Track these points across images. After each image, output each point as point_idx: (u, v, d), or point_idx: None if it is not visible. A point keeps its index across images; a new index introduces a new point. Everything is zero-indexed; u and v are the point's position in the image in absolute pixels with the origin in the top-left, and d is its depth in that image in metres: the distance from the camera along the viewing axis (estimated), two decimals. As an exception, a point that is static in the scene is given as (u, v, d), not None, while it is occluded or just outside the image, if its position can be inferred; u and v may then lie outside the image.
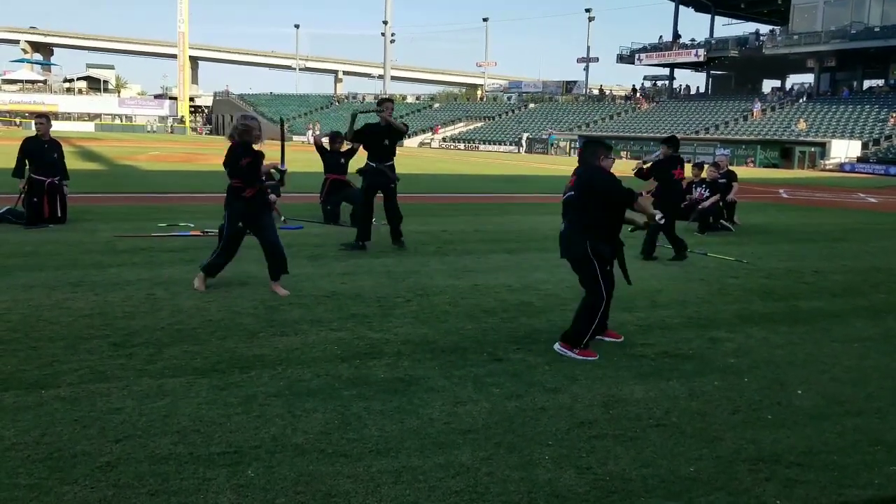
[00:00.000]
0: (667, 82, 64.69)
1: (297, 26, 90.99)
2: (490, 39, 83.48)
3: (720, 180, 12.23)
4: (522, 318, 5.76)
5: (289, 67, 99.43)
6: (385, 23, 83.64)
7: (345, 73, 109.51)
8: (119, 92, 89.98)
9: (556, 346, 4.91)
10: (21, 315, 5.27)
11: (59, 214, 9.71)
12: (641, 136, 52.38)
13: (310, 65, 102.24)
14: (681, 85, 64.73)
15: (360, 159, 9.36)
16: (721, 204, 12.08)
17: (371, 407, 3.86)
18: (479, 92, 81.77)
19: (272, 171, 6.84)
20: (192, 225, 10.03)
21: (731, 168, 13.42)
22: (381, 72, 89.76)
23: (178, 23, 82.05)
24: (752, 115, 50.02)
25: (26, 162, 9.58)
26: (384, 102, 8.54)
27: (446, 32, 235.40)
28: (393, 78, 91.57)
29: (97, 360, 4.41)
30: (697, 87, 63.65)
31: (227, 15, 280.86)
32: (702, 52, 57.79)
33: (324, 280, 6.95)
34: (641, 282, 7.42)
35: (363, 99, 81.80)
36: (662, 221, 7.78)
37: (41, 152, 9.62)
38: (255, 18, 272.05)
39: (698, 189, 12.07)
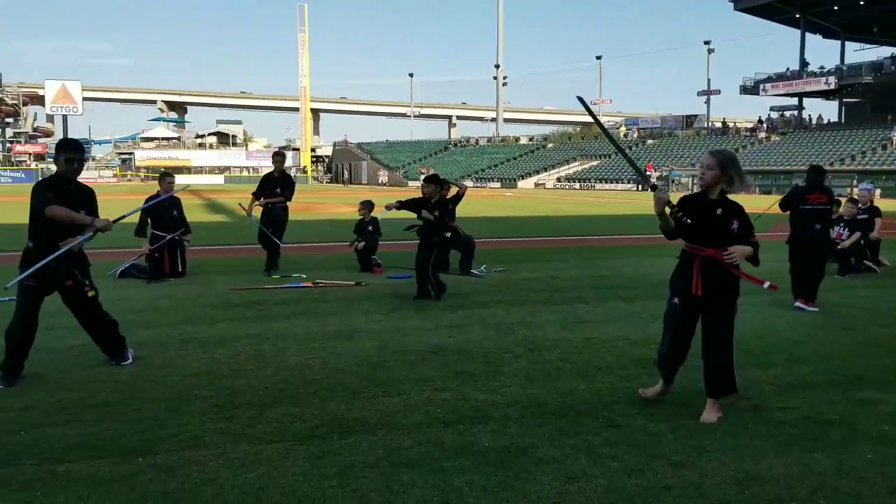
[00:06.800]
0: (795, 112, 61.75)
1: (411, 75, 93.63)
2: (604, 76, 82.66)
3: (859, 216, 11.26)
4: (643, 377, 5.27)
5: (404, 115, 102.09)
6: (497, 66, 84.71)
7: (458, 117, 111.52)
8: (246, 145, 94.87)
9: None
10: (130, 375, 5.31)
11: (180, 269, 10.04)
12: (770, 170, 49.96)
13: (424, 111, 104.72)
14: (810, 115, 61.68)
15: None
16: (863, 242, 11.08)
17: (474, 482, 3.54)
18: (593, 130, 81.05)
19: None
20: (304, 276, 10.11)
21: (873, 203, 12.31)
22: (493, 115, 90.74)
23: (300, 78, 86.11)
24: (892, 143, 46.78)
25: (148, 221, 9.97)
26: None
27: (559, 72, 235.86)
28: (506, 120, 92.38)
29: (197, 423, 4.32)
30: (829, 118, 60.48)
31: (345, 68, 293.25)
32: (832, 79, 54.97)
33: (430, 333, 6.72)
34: (777, 332, 6.79)
35: (476, 143, 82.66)
36: None
37: (162, 210, 10.00)
38: (372, 70, 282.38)
39: (836, 227, 11.13)
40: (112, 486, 3.47)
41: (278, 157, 11.01)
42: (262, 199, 10.64)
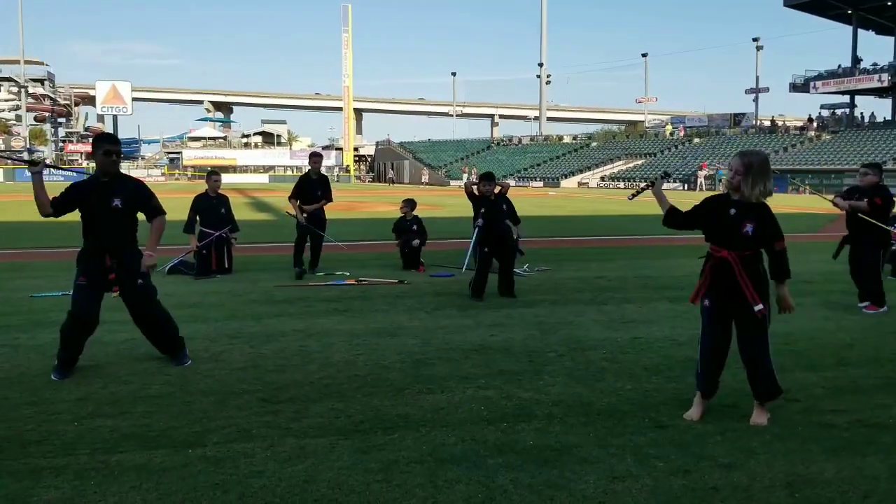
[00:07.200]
0: (847, 110, 60.25)
1: (453, 74, 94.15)
2: (650, 74, 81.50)
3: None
4: (690, 378, 5.17)
5: (446, 114, 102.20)
6: (541, 65, 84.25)
7: (501, 116, 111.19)
8: (290, 145, 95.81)
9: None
10: (179, 369, 5.42)
11: (226, 265, 10.22)
12: (821, 169, 48.83)
13: (466, 110, 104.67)
14: (862, 113, 60.07)
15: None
16: (918, 242, 10.75)
17: (518, 479, 3.53)
18: (638, 129, 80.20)
19: None
20: (347, 274, 10.20)
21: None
22: (536, 114, 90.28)
23: (343, 77, 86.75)
24: (948, 141, 45.39)
25: (197, 218, 10.20)
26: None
27: (603, 71, 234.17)
28: (549, 119, 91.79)
29: (245, 417, 4.39)
30: (884, 116, 58.85)
31: (388, 67, 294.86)
32: (886, 76, 53.55)
33: (473, 332, 6.72)
34: (827, 334, 6.64)
35: (519, 142, 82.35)
36: None
37: (210, 208, 10.21)
38: (414, 69, 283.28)
39: (892, 227, 10.81)
40: (163, 476, 3.54)
41: (316, 157, 10.96)
42: (300, 205, 10.62)
